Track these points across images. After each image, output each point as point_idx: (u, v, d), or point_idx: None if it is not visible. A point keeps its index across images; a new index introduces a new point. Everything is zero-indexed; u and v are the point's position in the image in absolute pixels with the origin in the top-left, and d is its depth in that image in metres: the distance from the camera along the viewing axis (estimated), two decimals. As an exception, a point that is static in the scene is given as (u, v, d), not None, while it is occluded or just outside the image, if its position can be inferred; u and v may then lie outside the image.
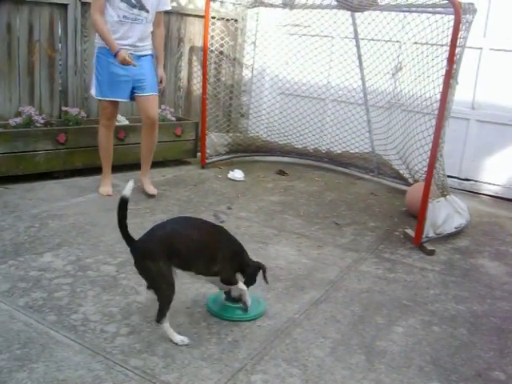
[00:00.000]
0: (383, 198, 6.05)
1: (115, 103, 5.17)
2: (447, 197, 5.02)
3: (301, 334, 3.17)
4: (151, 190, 5.41)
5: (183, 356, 2.84)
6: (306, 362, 2.90)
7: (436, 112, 4.53)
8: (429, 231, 4.64)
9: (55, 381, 2.54)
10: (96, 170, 5.71)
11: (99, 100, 5.16)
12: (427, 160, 5.15)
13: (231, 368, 2.78)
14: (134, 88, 5.10)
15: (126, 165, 6.01)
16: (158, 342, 2.94)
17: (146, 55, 5.12)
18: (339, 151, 6.94)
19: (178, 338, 2.94)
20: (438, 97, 4.55)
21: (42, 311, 3.12)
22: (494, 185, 6.50)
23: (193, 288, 3.58)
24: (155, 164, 6.20)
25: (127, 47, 4.89)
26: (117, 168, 5.84)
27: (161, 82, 5.40)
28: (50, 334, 2.91)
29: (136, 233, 4.41)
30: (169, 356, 2.83)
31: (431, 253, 4.51)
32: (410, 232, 4.79)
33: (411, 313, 3.54)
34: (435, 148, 4.43)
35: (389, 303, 3.64)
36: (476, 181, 6.62)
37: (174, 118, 6.53)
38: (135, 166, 6.08)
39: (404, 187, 6.13)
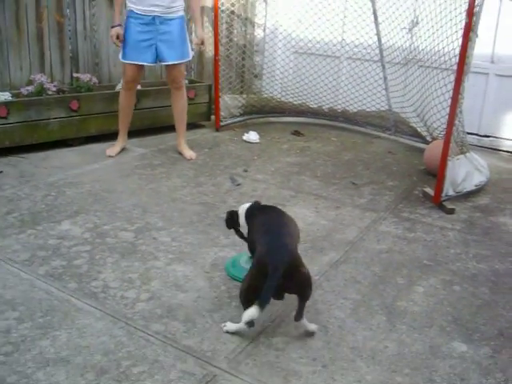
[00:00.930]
0: (401, 156, 5.96)
1: (138, 67, 5.13)
2: (467, 154, 4.91)
3: (321, 295, 3.16)
4: (188, 154, 5.45)
5: (204, 320, 2.85)
6: (327, 324, 2.89)
7: (455, 67, 4.40)
8: (448, 190, 4.57)
9: (78, 347, 2.56)
10: (111, 136, 5.69)
11: (123, 63, 5.14)
12: (446, 117, 5.05)
13: (252, 331, 2.78)
14: (160, 52, 5.04)
15: (140, 130, 5.97)
16: (179, 307, 2.95)
17: (175, 18, 5.02)
18: (355, 110, 6.81)
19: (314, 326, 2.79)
20: (457, 51, 4.41)
21: (62, 279, 3.14)
22: (514, 141, 6.35)
23: (211, 252, 3.58)
24: (168, 128, 6.16)
25: (160, 8, 4.85)
26: (131, 133, 5.80)
27: (202, 43, 5.35)
28: (71, 301, 2.93)
29: (152, 197, 4.44)
30: (189, 321, 2.84)
31: (451, 211, 4.44)
32: (429, 191, 4.71)
33: (432, 272, 3.51)
34: (455, 104, 4.31)
35: (409, 263, 3.60)
36: (496, 137, 6.47)
37: (186, 81, 6.42)
38: (148, 131, 6.06)
39: (422, 145, 6.01)
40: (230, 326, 2.77)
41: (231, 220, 3.24)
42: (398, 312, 3.04)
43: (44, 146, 5.33)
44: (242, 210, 3.20)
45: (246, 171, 5.16)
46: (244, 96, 6.93)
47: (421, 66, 5.76)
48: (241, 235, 3.27)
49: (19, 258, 3.33)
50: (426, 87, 5.46)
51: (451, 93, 4.61)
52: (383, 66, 6.39)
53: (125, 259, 3.42)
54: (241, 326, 2.66)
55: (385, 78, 6.40)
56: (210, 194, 4.57)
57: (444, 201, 4.53)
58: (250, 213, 3.16)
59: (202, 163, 5.34)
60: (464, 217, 4.42)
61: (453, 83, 4.64)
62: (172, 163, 5.26)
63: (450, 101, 4.45)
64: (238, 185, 4.79)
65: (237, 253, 3.54)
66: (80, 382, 2.35)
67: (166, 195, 4.47)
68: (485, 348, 2.78)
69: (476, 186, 4.89)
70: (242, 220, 3.18)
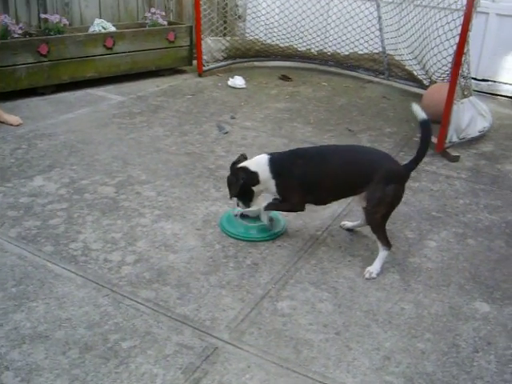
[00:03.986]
0: (396, 101, 5.62)
1: None
2: (470, 98, 4.59)
3: (326, 252, 2.87)
4: (12, 119, 4.39)
5: (199, 284, 2.54)
6: (336, 285, 2.61)
7: (454, 6, 4.05)
8: (452, 136, 4.27)
9: (58, 320, 2.24)
10: (85, 83, 5.25)
11: None
12: (448, 58, 4.72)
13: (254, 295, 2.49)
14: None
15: (116, 76, 5.53)
16: (170, 269, 2.63)
17: None
18: (346, 53, 6.40)
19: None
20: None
21: (36, 241, 2.79)
22: (513, 85, 6.04)
23: (202, 207, 3.25)
24: (148, 74, 5.75)
25: None
26: (107, 80, 5.37)
27: None
28: (47, 267, 2.59)
29: (133, 148, 4.06)
30: (183, 285, 2.53)
31: (455, 159, 4.16)
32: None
33: (442, 225, 3.24)
34: (462, 43, 3.94)
35: (417, 215, 3.33)
36: (494, 81, 6.14)
37: (165, 23, 5.94)
38: (126, 78, 5.62)
39: (418, 90, 5.69)
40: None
41: (250, 179, 2.80)
42: (412, 269, 2.78)
43: (11, 95, 4.86)
44: (260, 162, 2.82)
45: (233, 118, 4.79)
46: (228, 38, 6.47)
47: (417, 6, 5.37)
48: (249, 197, 2.89)
49: (-13, 219, 2.97)
50: (425, 27, 5.09)
51: (455, 32, 4.28)
52: (377, 5, 5.95)
53: (106, 217, 3.08)
54: None
55: (379, 18, 5.98)
56: (197, 143, 4.21)
57: (447, 148, 4.24)
58: (280, 162, 2.80)
59: (186, 111, 4.94)
60: (469, 165, 4.14)
61: (456, 22, 4.30)
62: (153, 111, 4.85)
63: (454, 40, 4.11)
64: (226, 133, 4.43)
65: (230, 207, 3.22)
66: (62, 362, 2.04)
67: (148, 145, 4.09)
68: (509, 307, 2.54)
69: (480, 131, 4.60)
70: (265, 175, 2.79)
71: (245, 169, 2.83)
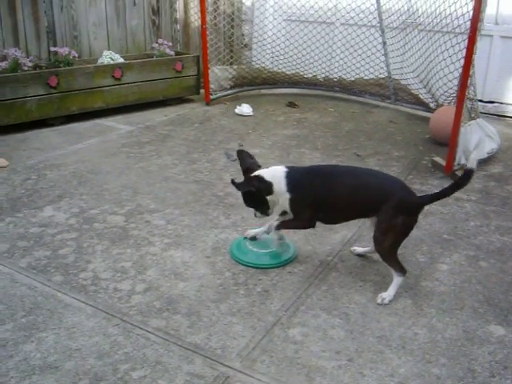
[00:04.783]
0: (403, 125, 5.63)
1: None
2: (478, 120, 4.60)
3: (337, 278, 2.85)
4: None
5: (210, 312, 2.52)
6: (348, 310, 2.58)
7: (458, 30, 4.10)
8: (461, 158, 4.25)
9: (68, 350, 2.23)
10: (94, 114, 5.32)
11: None
12: (454, 81, 4.74)
13: (265, 322, 2.47)
14: None
15: (125, 106, 5.59)
16: (180, 298, 2.62)
17: None
18: (352, 78, 6.45)
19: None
20: (463, 12, 4.10)
21: (46, 271, 2.79)
22: (520, 106, 6.04)
23: (211, 234, 3.24)
24: (156, 104, 5.82)
25: None
26: (115, 110, 5.44)
27: None
28: (57, 296, 2.58)
29: (142, 177, 4.08)
30: (193, 313, 2.51)
31: (465, 181, 4.13)
32: (439, 160, 4.40)
33: (454, 248, 3.21)
34: (468, 65, 3.97)
35: (428, 238, 3.30)
36: (500, 103, 6.15)
37: (172, 53, 6.03)
38: (134, 108, 5.68)
39: (425, 113, 5.70)
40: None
41: (264, 188, 2.76)
42: (424, 293, 2.74)
43: (22, 127, 4.92)
44: (276, 174, 2.78)
45: (241, 146, 4.81)
46: (234, 67, 6.54)
47: (422, 30, 5.42)
48: (264, 205, 2.84)
49: (-3, 250, 2.98)
50: (430, 51, 5.13)
51: (459, 55, 4.31)
52: (382, 31, 6.02)
53: (116, 246, 3.08)
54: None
55: (384, 43, 6.03)
56: (205, 171, 4.22)
57: (456, 170, 4.22)
58: (297, 178, 2.77)
59: (194, 139, 4.97)
60: (479, 186, 4.12)
61: (461, 45, 4.33)
62: (161, 140, 4.89)
63: (459, 63, 4.13)
64: (234, 160, 4.43)
65: (239, 234, 3.21)
66: (72, 393, 2.02)
67: (157, 174, 4.11)
68: (524, 330, 2.49)
69: (488, 153, 4.59)
70: (280, 187, 2.76)
71: (259, 177, 2.80)
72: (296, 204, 2.78)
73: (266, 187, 2.77)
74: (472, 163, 2.62)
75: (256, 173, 2.83)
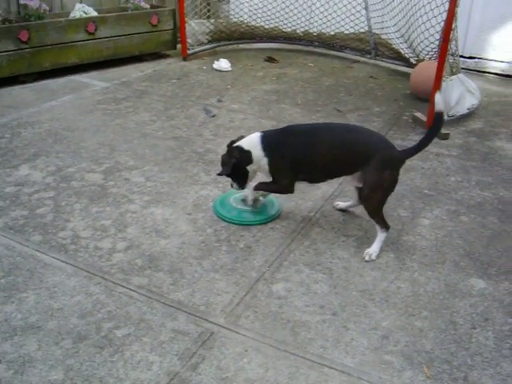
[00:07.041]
0: (384, 81, 5.57)
1: None
2: (459, 75, 4.56)
3: (319, 233, 2.84)
4: None
5: (192, 269, 2.50)
6: (331, 265, 2.58)
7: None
8: (442, 113, 4.23)
9: (49, 310, 2.19)
10: (68, 70, 5.15)
11: None
12: (435, 35, 4.68)
13: (248, 278, 2.46)
14: None
15: (99, 62, 5.42)
16: (162, 255, 2.59)
17: None
18: (332, 33, 6.32)
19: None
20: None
21: (24, 231, 2.72)
22: (501, 62, 6.00)
23: (192, 191, 3.20)
24: (131, 59, 5.65)
25: None
26: (90, 66, 5.27)
27: None
28: (36, 256, 2.53)
29: (119, 134, 3.99)
30: (176, 270, 2.49)
31: (445, 136, 4.14)
32: (420, 115, 4.38)
33: (435, 202, 3.22)
34: (451, 17, 3.90)
35: (409, 193, 3.30)
36: (481, 58, 6.11)
37: (147, 6, 5.82)
38: (109, 63, 5.51)
39: (405, 69, 5.64)
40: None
41: (245, 158, 2.74)
42: (406, 248, 2.75)
43: (-8, 84, 4.76)
44: (252, 140, 2.76)
45: (220, 101, 4.72)
46: (212, 21, 6.36)
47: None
48: (243, 178, 2.83)
49: (-28, 209, 2.90)
50: (412, 4, 5.03)
51: (442, 9, 4.24)
52: (363, -17, 5.88)
53: (95, 204, 3.02)
54: None
55: (365, -4, 5.91)
56: (184, 127, 4.14)
57: (437, 125, 4.20)
58: (273, 140, 2.74)
59: (172, 95, 4.86)
60: (459, 142, 4.12)
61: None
62: (138, 96, 4.77)
63: (442, 17, 4.07)
64: (213, 116, 4.36)
65: (220, 190, 3.17)
66: (55, 352, 1.99)
67: (134, 131, 4.02)
68: (504, 283, 2.53)
69: (468, 109, 4.57)
70: (257, 153, 2.73)
71: (238, 148, 2.77)
72: (275, 167, 2.75)
73: (246, 156, 2.75)
74: (438, 105, 2.59)
75: (235, 144, 2.80)
